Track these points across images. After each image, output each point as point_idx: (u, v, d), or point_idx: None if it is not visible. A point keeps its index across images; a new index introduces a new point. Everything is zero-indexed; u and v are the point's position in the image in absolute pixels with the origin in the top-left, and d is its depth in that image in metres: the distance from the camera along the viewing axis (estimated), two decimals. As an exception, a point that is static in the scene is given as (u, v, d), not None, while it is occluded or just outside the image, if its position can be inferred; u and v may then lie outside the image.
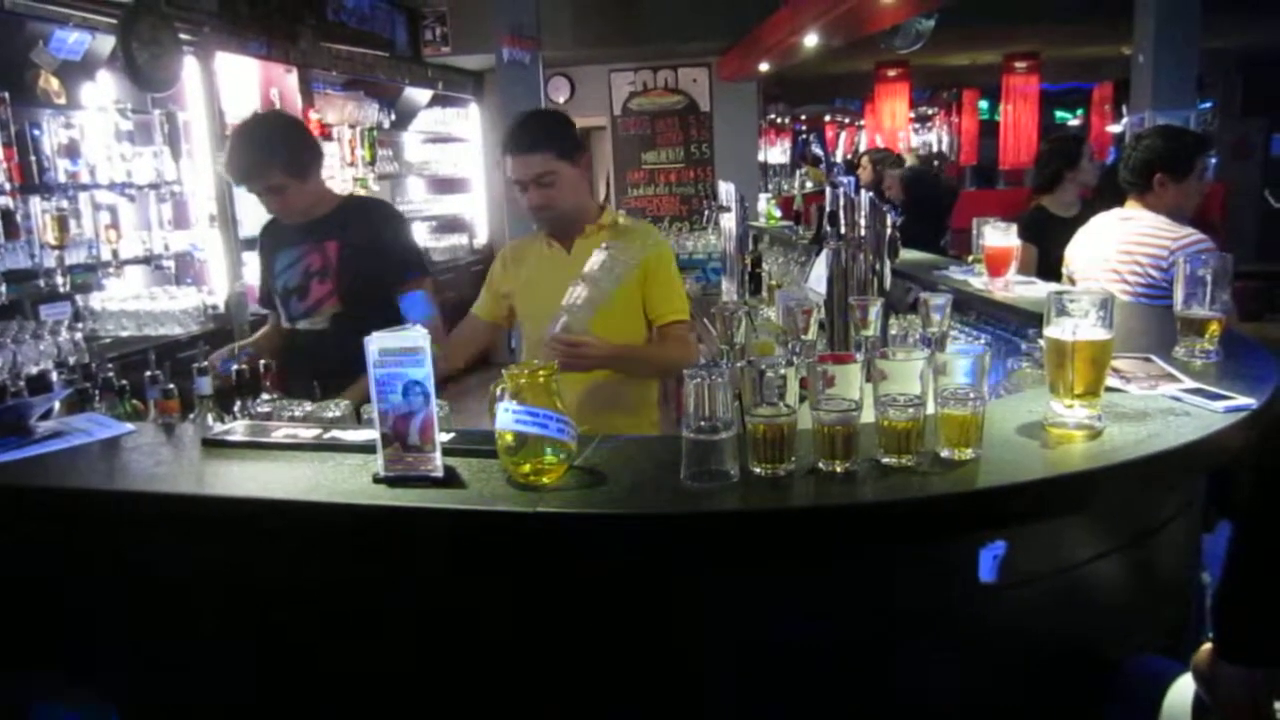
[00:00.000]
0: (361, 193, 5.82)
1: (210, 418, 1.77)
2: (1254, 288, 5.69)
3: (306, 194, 2.46)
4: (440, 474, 1.28)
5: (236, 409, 1.82)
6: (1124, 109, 10.58)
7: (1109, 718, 1.38)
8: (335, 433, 1.51)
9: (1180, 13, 5.79)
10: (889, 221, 2.27)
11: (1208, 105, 10.48)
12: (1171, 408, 1.43)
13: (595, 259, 1.92)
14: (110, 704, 1.48)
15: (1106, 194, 3.67)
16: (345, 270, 2.45)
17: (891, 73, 10.10)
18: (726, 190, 4.06)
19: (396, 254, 2.50)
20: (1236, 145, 10.03)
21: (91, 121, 4.09)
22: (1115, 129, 11.27)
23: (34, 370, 3.19)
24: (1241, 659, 1.17)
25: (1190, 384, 1.52)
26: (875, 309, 1.90)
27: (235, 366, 1.87)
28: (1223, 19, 6.84)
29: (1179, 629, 1.57)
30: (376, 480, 1.29)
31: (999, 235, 2.57)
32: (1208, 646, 1.22)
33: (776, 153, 12.55)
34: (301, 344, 2.49)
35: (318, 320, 2.49)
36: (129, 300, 4.20)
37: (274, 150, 2.38)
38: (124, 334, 4.03)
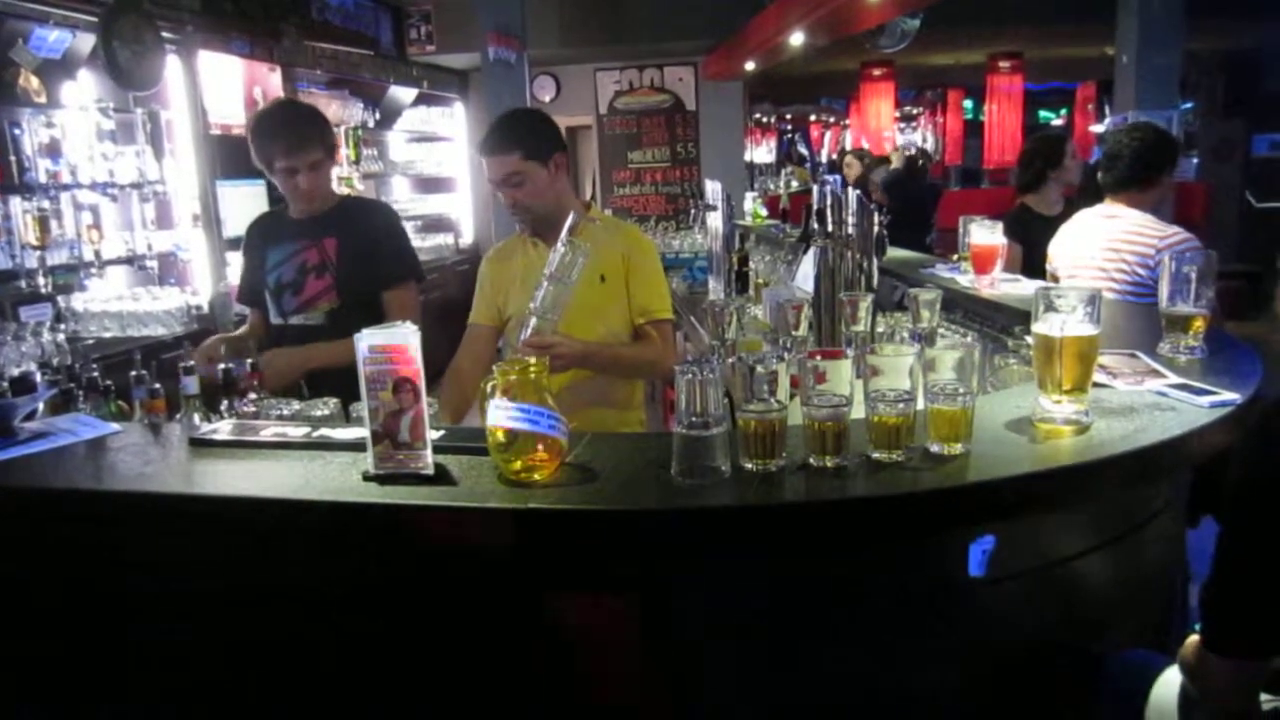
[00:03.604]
0: (347, 192, 5.80)
1: (197, 417, 1.75)
2: (1235, 287, 5.74)
3: (325, 180, 2.49)
4: (430, 471, 1.27)
5: (223, 408, 1.81)
6: (1107, 109, 10.67)
7: (1096, 711, 1.39)
8: (324, 431, 1.50)
9: (1163, 14, 5.85)
10: (876, 219, 2.28)
11: (1189, 106, 10.58)
12: (1158, 403, 1.44)
13: (555, 256, 1.90)
14: (98, 705, 1.47)
15: (1089, 192, 3.69)
16: (344, 267, 2.46)
17: (877, 72, 10.16)
18: (713, 189, 4.06)
19: (392, 255, 2.52)
20: (1218, 146, 10.12)
21: (73, 120, 4.05)
22: (1098, 129, 11.36)
23: (16, 371, 3.16)
24: (1228, 651, 1.17)
25: (1176, 380, 1.53)
26: (866, 305, 1.90)
27: (222, 367, 1.86)
28: (1205, 21, 6.91)
29: (1165, 622, 1.58)
30: (366, 478, 1.28)
31: (985, 233, 2.58)
32: (1194, 639, 1.23)
33: (762, 152, 12.59)
34: (294, 339, 2.47)
35: (313, 316, 2.48)
36: (112, 301, 4.16)
37: (317, 128, 2.45)
38: (107, 335, 3.99)
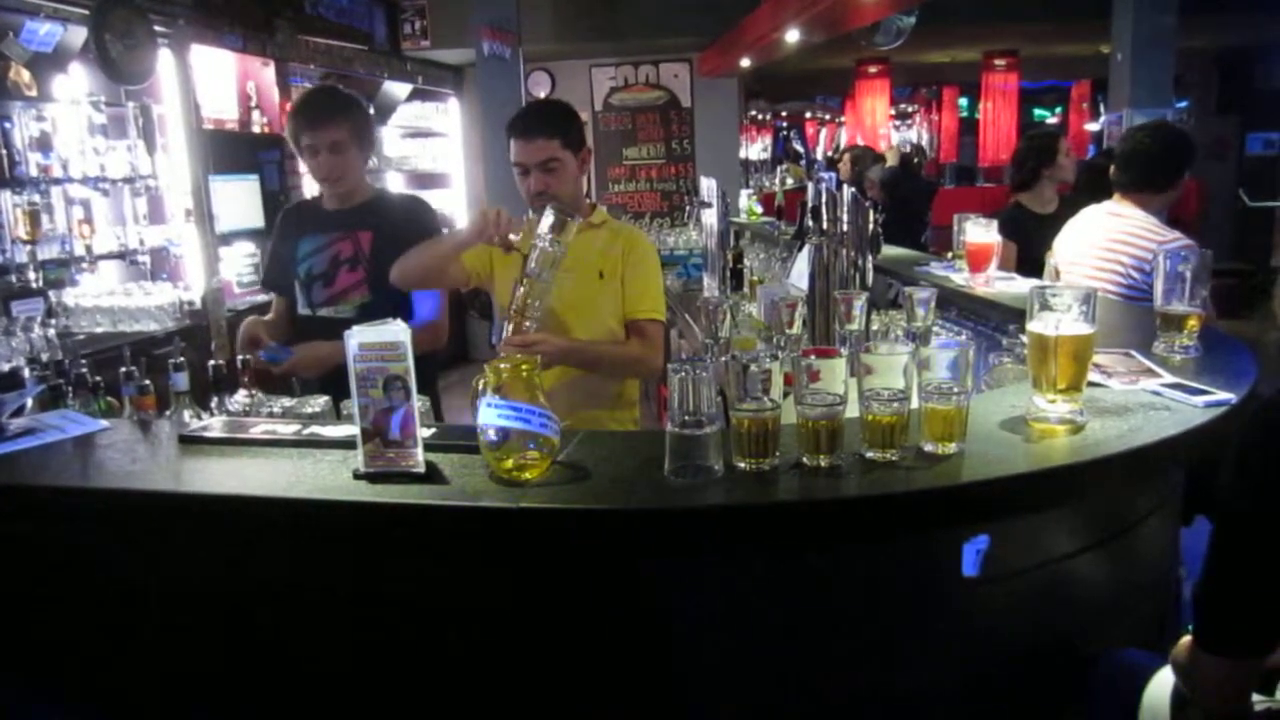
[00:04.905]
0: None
1: (187, 414, 1.74)
2: (1229, 285, 5.76)
3: (355, 169, 2.48)
4: (421, 469, 1.26)
5: (213, 405, 1.79)
6: (1102, 107, 10.68)
7: (1089, 711, 1.39)
8: (314, 428, 1.49)
9: (1158, 12, 5.85)
10: (871, 217, 2.28)
11: (1184, 104, 10.59)
12: (1152, 402, 1.44)
13: (533, 254, 1.91)
14: (91, 704, 1.46)
15: (1085, 190, 3.69)
16: (378, 261, 2.43)
17: (872, 70, 10.14)
18: (708, 186, 4.05)
19: None
20: (1212, 144, 10.14)
21: (64, 114, 4.03)
22: (1093, 127, 11.37)
23: (5, 367, 3.14)
24: (1221, 650, 1.17)
25: (1170, 379, 1.53)
26: (860, 303, 1.90)
27: (282, 357, 1.85)
28: (1199, 19, 6.91)
29: (1159, 622, 1.58)
30: (357, 476, 1.27)
31: (980, 231, 2.58)
32: (1187, 639, 1.22)
33: (757, 149, 12.58)
34: (321, 331, 2.42)
35: (343, 308, 2.46)
36: (103, 296, 4.12)
37: (348, 108, 2.45)
38: (98, 330, 3.97)
